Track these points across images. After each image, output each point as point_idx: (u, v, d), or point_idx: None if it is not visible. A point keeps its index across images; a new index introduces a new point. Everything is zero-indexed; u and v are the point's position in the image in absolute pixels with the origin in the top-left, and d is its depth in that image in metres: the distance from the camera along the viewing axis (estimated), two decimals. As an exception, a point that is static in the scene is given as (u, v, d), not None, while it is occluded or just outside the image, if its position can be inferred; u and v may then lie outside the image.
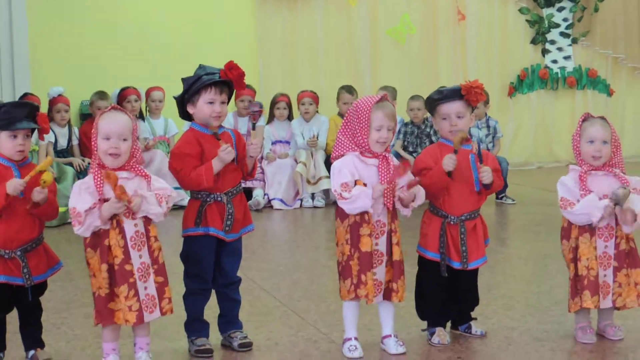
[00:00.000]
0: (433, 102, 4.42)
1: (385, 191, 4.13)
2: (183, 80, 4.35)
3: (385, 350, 4.30)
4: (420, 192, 4.23)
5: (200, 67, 4.36)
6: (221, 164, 4.20)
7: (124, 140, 3.93)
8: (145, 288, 3.90)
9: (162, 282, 3.98)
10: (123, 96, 9.27)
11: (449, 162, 4.23)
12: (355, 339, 4.26)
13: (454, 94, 4.37)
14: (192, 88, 4.27)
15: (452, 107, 4.37)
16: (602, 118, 4.41)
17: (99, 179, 3.86)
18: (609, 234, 4.31)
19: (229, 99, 4.39)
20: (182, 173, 4.21)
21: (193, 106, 4.30)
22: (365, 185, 4.13)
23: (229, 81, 4.32)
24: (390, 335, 4.30)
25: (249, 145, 4.37)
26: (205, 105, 4.26)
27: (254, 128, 4.66)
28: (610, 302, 4.34)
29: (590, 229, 4.31)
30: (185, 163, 4.21)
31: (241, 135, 4.48)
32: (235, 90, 4.42)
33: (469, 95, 4.34)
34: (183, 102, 4.33)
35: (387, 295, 4.24)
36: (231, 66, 4.33)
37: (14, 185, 3.85)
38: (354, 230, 4.14)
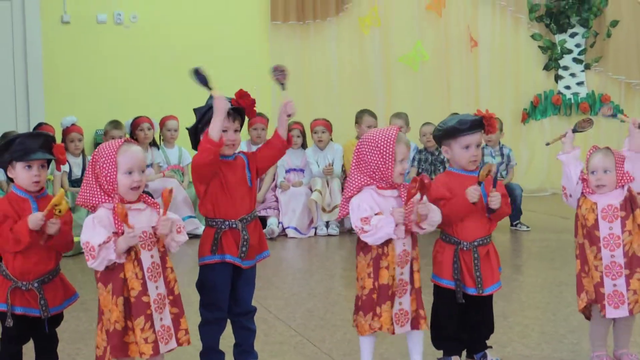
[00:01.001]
0: (456, 132, 4.37)
1: (405, 214, 4.06)
2: (195, 110, 4.37)
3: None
4: (431, 208, 4.17)
5: (212, 96, 4.37)
6: (219, 115, 4.12)
7: (142, 172, 3.92)
8: (161, 319, 3.85)
9: (178, 313, 3.94)
10: (136, 124, 9.31)
11: (474, 193, 4.23)
12: (371, 369, 4.24)
13: (478, 124, 4.38)
14: (205, 117, 4.28)
15: (475, 138, 4.39)
16: (607, 148, 4.41)
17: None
18: (615, 244, 4.27)
19: (241, 126, 4.40)
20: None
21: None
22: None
23: (241, 109, 4.34)
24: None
25: (287, 104, 4.32)
26: None
27: (283, 89, 4.57)
28: (626, 311, 4.27)
29: (590, 237, 4.29)
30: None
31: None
32: (247, 119, 4.43)
33: (489, 125, 4.37)
34: (196, 132, 4.34)
35: (415, 324, 4.19)
36: (242, 94, 4.35)
37: (34, 220, 3.85)
38: (376, 263, 4.10)
